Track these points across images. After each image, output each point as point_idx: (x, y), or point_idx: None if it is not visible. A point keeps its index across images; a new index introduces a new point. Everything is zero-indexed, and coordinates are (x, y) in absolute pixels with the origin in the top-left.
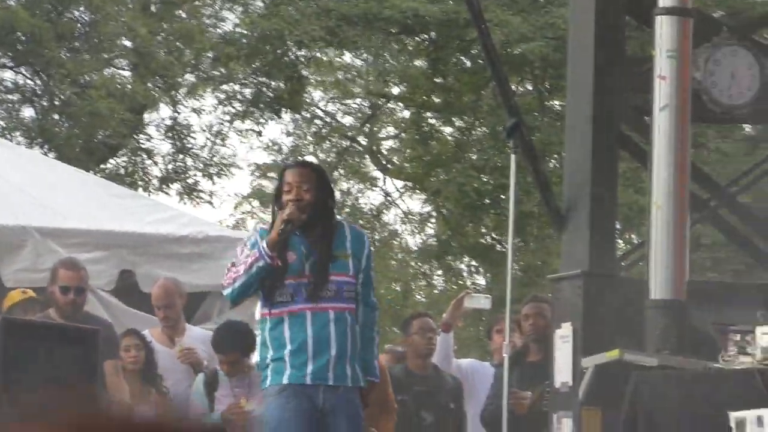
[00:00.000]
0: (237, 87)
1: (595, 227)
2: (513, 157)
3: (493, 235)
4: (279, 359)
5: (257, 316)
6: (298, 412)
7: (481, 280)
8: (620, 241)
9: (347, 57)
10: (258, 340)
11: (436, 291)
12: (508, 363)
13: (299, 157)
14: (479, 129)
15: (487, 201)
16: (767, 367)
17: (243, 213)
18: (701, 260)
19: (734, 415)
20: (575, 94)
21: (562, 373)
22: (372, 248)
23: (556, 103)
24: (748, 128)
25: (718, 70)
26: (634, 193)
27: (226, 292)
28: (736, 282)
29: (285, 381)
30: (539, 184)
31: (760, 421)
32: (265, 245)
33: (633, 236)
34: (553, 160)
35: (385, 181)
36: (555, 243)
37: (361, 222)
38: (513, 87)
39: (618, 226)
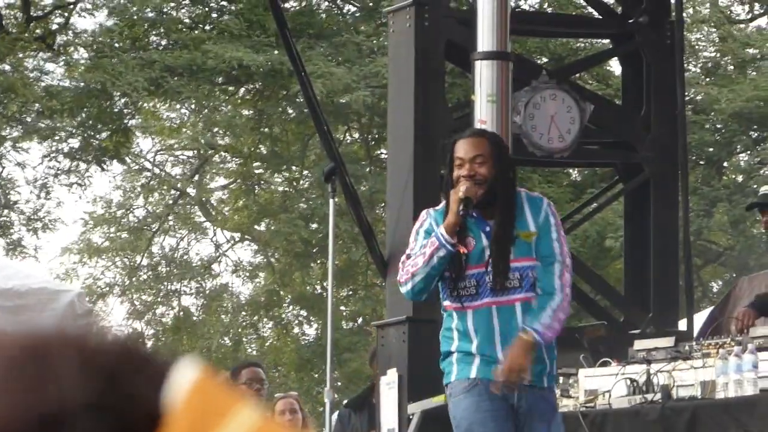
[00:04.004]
0: (62, 138)
1: None
2: (332, 201)
3: (324, 284)
4: (466, 352)
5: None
6: (492, 411)
7: (310, 330)
8: None
9: (173, 108)
10: (441, 333)
11: (266, 344)
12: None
13: (475, 127)
14: (306, 178)
15: (315, 250)
16: (590, 409)
17: (73, 263)
18: None
19: None
20: (396, 140)
21: (389, 419)
22: (552, 212)
23: (383, 151)
24: (574, 173)
25: (537, 113)
26: None
27: (405, 288)
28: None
29: (473, 375)
30: (362, 229)
31: None
32: (443, 231)
33: None
34: (381, 209)
35: (215, 232)
36: (383, 291)
37: (189, 274)
38: (340, 136)
39: None
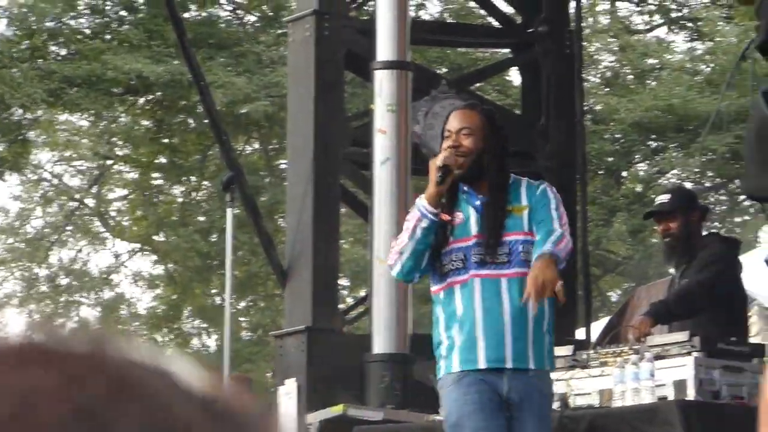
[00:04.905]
0: None
1: (317, 283)
2: (230, 210)
3: (223, 296)
4: (451, 344)
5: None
6: (480, 403)
7: (210, 341)
8: (350, 299)
9: (72, 118)
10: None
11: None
12: None
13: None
14: (205, 189)
15: (215, 262)
16: None
17: None
18: (429, 314)
19: None
20: (295, 150)
21: (288, 429)
22: (552, 191)
23: (283, 162)
24: None
25: (437, 123)
26: (363, 248)
27: (395, 270)
28: None
29: (458, 368)
30: (261, 239)
31: None
32: (424, 202)
33: (363, 292)
34: (281, 219)
35: (114, 243)
36: (283, 301)
37: (89, 285)
38: (240, 147)
39: (347, 283)
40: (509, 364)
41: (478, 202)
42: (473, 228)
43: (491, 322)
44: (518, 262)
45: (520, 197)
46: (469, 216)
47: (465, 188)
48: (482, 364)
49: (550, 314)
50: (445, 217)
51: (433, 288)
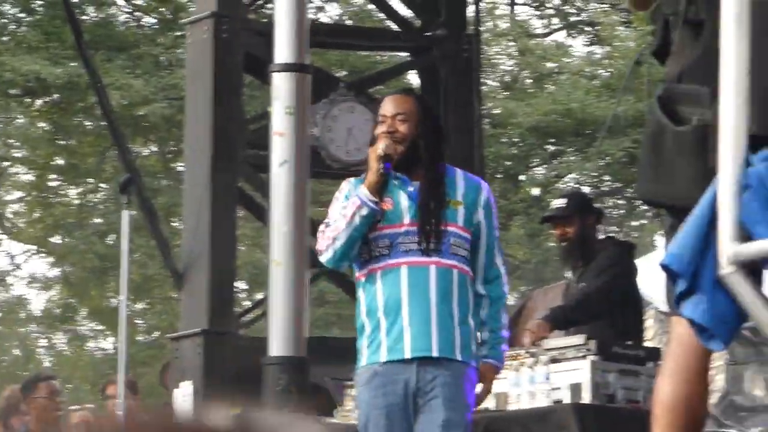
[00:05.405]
0: None
1: (213, 286)
2: (126, 212)
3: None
4: (374, 328)
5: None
6: (387, 407)
7: (106, 344)
8: (248, 302)
9: None
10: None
11: (60, 357)
12: None
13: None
14: (102, 191)
15: (111, 265)
16: None
17: None
18: (326, 316)
19: None
20: (193, 152)
21: None
22: (493, 201)
23: (180, 164)
24: None
25: (335, 126)
26: (261, 252)
27: (327, 256)
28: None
29: (381, 359)
30: (158, 241)
31: None
32: (365, 191)
33: (261, 296)
34: (178, 222)
35: (9, 245)
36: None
37: None
38: (137, 149)
39: (245, 286)
40: (435, 353)
41: (411, 189)
42: (405, 215)
43: (418, 311)
44: (448, 253)
45: (457, 191)
46: (399, 202)
47: (397, 174)
48: (408, 354)
49: (475, 309)
50: (387, 206)
51: (357, 273)
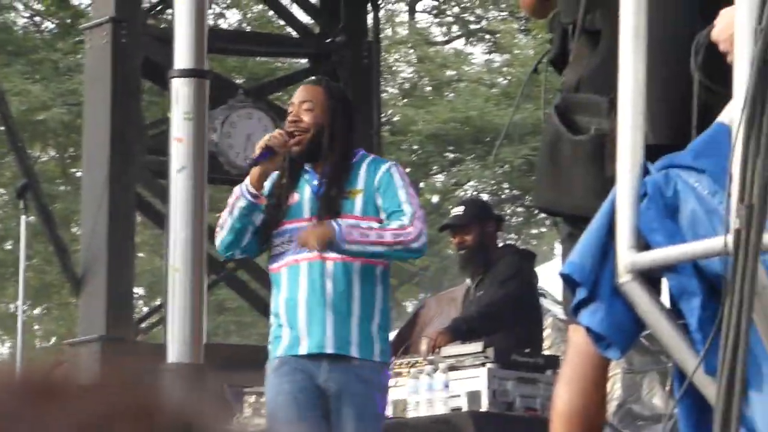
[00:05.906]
0: None
1: (111, 292)
2: (23, 218)
3: (17, 303)
4: (277, 324)
5: None
6: (291, 393)
7: (3, 349)
8: (146, 308)
9: None
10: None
11: None
12: None
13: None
14: (0, 197)
15: (10, 270)
16: None
17: None
18: (226, 324)
19: None
20: (91, 158)
21: None
22: (399, 171)
23: (79, 170)
24: None
25: (234, 132)
26: (159, 259)
27: (216, 242)
28: (258, 345)
29: (281, 353)
30: (55, 246)
31: None
32: (246, 181)
33: (159, 302)
34: (76, 228)
35: None
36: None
37: None
38: (36, 154)
39: (143, 293)
40: (330, 350)
41: (315, 182)
42: (306, 210)
43: (314, 307)
44: None
45: (358, 179)
46: (303, 196)
47: (307, 167)
48: (304, 350)
49: (383, 307)
50: (262, 201)
51: (269, 268)
